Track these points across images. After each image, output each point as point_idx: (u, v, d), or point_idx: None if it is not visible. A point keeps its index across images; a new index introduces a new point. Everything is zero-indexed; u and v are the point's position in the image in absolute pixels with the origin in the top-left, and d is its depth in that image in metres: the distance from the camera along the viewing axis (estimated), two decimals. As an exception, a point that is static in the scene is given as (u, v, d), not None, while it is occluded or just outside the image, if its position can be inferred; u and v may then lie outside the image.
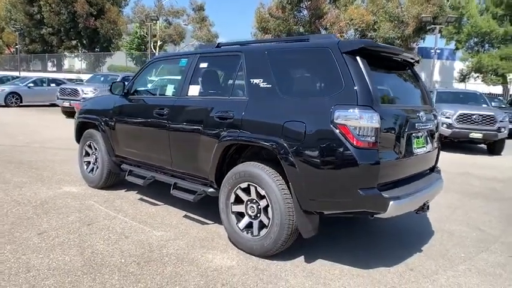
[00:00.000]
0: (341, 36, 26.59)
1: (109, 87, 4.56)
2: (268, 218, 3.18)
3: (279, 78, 3.24)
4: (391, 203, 2.80)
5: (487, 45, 30.31)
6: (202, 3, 34.83)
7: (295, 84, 3.24)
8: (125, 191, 5.10)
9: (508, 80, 30.06)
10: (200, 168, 3.77)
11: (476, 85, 29.60)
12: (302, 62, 3.25)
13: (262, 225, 3.27)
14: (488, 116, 10.26)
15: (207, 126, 3.62)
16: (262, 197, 3.24)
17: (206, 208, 4.32)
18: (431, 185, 3.45)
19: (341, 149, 2.76)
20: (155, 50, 33.81)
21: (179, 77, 4.18)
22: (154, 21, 28.73)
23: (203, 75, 3.93)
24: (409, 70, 3.76)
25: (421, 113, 3.39)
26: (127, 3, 38.67)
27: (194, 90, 3.90)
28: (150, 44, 29.18)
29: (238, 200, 3.43)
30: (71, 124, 12.79)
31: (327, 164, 2.82)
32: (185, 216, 4.26)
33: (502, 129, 10.29)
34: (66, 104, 13.66)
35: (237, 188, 3.39)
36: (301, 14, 28.39)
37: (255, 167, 3.24)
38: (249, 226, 3.37)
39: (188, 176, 3.96)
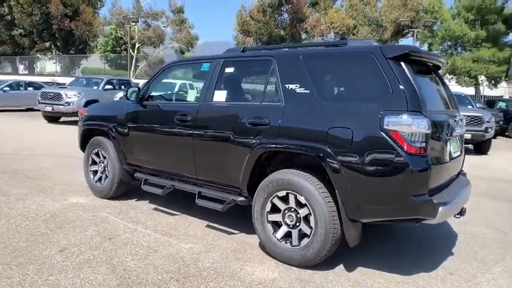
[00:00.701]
0: (322, 40, 26.88)
1: (124, 93, 4.34)
2: (310, 227, 3.09)
3: (317, 84, 3.16)
4: (440, 208, 2.76)
5: (459, 48, 31.39)
6: (181, 6, 34.41)
7: (335, 90, 3.17)
8: (136, 201, 4.89)
9: (480, 82, 31.28)
10: (228, 176, 3.64)
11: (450, 86, 30.61)
12: (342, 67, 3.18)
13: (302, 235, 3.18)
14: (476, 117, 10.55)
15: (237, 133, 3.49)
16: (302, 206, 3.14)
17: (227, 217, 4.17)
18: (465, 189, 3.46)
19: (393, 155, 2.70)
20: (133, 53, 33.12)
21: (201, 82, 4.02)
22: (134, 23, 28.12)
23: (230, 81, 3.80)
24: (434, 74, 3.76)
25: (456, 117, 3.40)
26: (103, 5, 37.76)
27: (220, 95, 3.76)
28: (129, 46, 28.52)
29: (274, 209, 3.32)
30: (54, 129, 12.38)
31: (377, 170, 2.76)
32: (208, 226, 4.10)
33: (489, 130, 10.62)
34: (49, 108, 13.11)
35: (274, 197, 3.28)
36: (282, 18, 28.51)
37: (295, 175, 3.14)
38: (287, 236, 3.27)
39: (214, 184, 3.81)
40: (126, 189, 4.93)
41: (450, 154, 3.21)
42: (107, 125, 4.67)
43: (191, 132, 3.83)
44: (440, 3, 30.66)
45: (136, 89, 4.35)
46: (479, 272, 3.31)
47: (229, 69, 3.80)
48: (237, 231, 3.96)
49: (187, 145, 3.89)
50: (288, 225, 3.25)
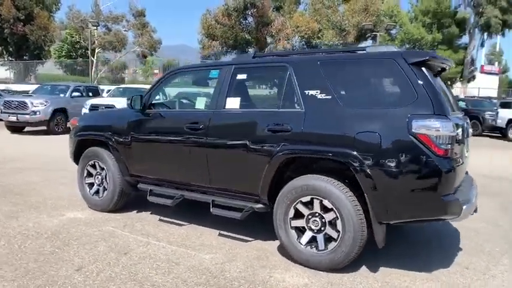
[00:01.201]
0: (287, 43, 27.29)
1: (128, 102, 4.18)
2: (337, 231, 3.13)
3: (338, 89, 3.22)
4: (464, 207, 2.89)
5: (416, 50, 32.99)
6: (142, 9, 33.64)
7: (357, 95, 3.22)
8: (137, 213, 4.72)
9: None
10: (246, 184, 3.61)
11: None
12: (363, 72, 3.25)
13: (328, 239, 3.21)
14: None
15: (255, 140, 3.47)
16: (327, 210, 3.18)
17: (236, 224, 4.09)
18: (473, 187, 3.63)
19: (423, 158, 2.80)
20: (93, 57, 32.00)
21: (204, 89, 3.97)
22: (95, 28, 27.16)
23: (242, 87, 3.78)
24: (439, 77, 3.91)
25: (466, 119, 3.57)
26: (58, 8, 36.19)
27: (233, 102, 3.72)
28: (90, 51, 27.51)
29: (297, 215, 3.33)
30: (21, 140, 11.70)
31: (408, 173, 2.85)
32: (220, 235, 4.04)
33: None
34: (13, 118, 12.38)
35: (298, 203, 3.29)
36: (247, 21, 28.64)
37: (320, 180, 3.17)
38: (312, 241, 3.29)
39: (229, 192, 3.77)
40: (126, 201, 4.76)
41: (465, 155, 3.36)
42: (106, 135, 4.49)
43: (204, 140, 3.76)
44: (397, 7, 32.10)
45: (139, 97, 4.20)
46: (491, 265, 3.49)
47: (241, 76, 3.77)
48: (251, 239, 3.94)
49: (199, 153, 3.82)
50: (313, 230, 3.27)
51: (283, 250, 3.56)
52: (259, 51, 29.95)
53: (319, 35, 26.18)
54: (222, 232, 4.09)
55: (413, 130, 2.83)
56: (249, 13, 28.06)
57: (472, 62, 32.74)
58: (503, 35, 31.68)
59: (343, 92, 3.21)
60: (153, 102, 4.32)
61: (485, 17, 28.79)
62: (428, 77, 2.97)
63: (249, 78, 3.81)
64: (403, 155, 2.85)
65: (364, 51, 3.36)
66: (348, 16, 26.82)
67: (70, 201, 5.10)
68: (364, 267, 3.32)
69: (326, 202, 3.15)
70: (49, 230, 4.04)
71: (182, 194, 4.07)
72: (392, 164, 2.87)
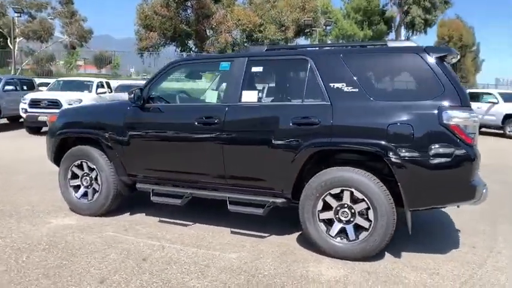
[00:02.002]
0: (229, 36, 27.12)
1: (131, 97, 3.84)
2: (369, 221, 3.20)
3: (364, 82, 3.26)
4: (483, 191, 3.12)
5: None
6: (70, -4, 31.19)
7: (384, 88, 3.30)
8: (130, 215, 4.40)
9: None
10: (267, 179, 3.54)
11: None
12: (387, 65, 3.33)
13: (357, 229, 3.27)
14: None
15: (278, 134, 3.41)
16: (357, 201, 3.23)
17: (241, 220, 4.02)
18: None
19: (454, 147, 2.96)
20: (12, 46, 28.98)
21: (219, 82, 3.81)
22: (18, 14, 24.46)
23: (259, 80, 3.68)
24: None
25: None
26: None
27: (250, 96, 3.61)
28: (13, 40, 24.82)
29: (326, 207, 3.35)
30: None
31: (441, 161, 2.98)
32: (233, 233, 3.91)
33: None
34: None
35: (327, 195, 3.30)
36: (187, 13, 27.89)
37: (351, 172, 3.21)
38: (341, 232, 3.33)
39: (248, 188, 3.66)
40: (118, 204, 4.41)
41: None
42: (98, 132, 4.10)
43: (220, 135, 3.60)
44: (327, 4, 33.49)
45: (139, 91, 3.88)
46: (492, 243, 3.81)
47: (257, 69, 3.67)
48: (266, 234, 3.88)
49: (213, 149, 3.65)
50: (341, 221, 3.31)
51: (305, 243, 3.56)
52: (200, 44, 29.45)
53: (261, 29, 26.37)
54: (233, 230, 3.96)
55: (444, 121, 2.97)
56: (189, 4, 27.36)
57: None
58: (425, 32, 34.58)
59: (369, 85, 3.27)
60: (154, 96, 4.04)
61: (410, 16, 31.21)
62: (450, 70, 3.13)
63: (266, 70, 3.71)
64: (436, 145, 2.98)
65: (386, 46, 3.45)
66: (286, 12, 27.32)
67: (48, 206, 4.61)
68: (388, 254, 3.43)
69: (357, 193, 3.20)
70: (41, 241, 3.61)
71: (191, 192, 3.87)
72: (425, 153, 2.99)
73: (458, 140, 2.96)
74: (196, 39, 29.59)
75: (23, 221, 4.13)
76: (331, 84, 3.32)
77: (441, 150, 2.98)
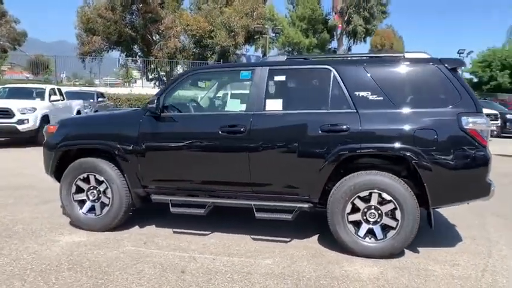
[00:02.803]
0: (178, 42, 26.74)
1: (151, 107, 3.72)
2: (396, 220, 3.43)
3: (387, 91, 3.50)
4: (493, 188, 3.50)
5: (296, 53, 35.82)
6: (-2, -5, 28.77)
7: (405, 96, 3.54)
8: (140, 228, 4.26)
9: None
10: (295, 185, 3.65)
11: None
12: (408, 75, 3.58)
13: (385, 229, 3.49)
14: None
15: (307, 141, 3.54)
16: (384, 202, 3.46)
17: (254, 227, 4.11)
18: None
19: (475, 149, 3.29)
20: None
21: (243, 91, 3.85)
22: None
23: (283, 89, 3.78)
24: None
25: None
26: None
27: (274, 104, 3.70)
28: None
29: (354, 210, 3.53)
30: None
31: (462, 163, 3.31)
32: (255, 239, 3.96)
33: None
34: None
35: (355, 198, 3.49)
36: (133, 17, 27.00)
37: (379, 175, 3.43)
38: (369, 232, 3.53)
39: (274, 195, 3.74)
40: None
41: None
42: (110, 144, 3.94)
43: (246, 144, 3.65)
44: (273, 11, 34.36)
45: (156, 100, 3.79)
46: (488, 235, 4.23)
47: (280, 78, 3.77)
48: (287, 239, 3.97)
49: (239, 158, 3.69)
50: (369, 222, 3.51)
51: (329, 245, 3.74)
52: (146, 49, 28.67)
53: (212, 35, 26.32)
54: (254, 237, 4.01)
55: (464, 126, 3.30)
56: (135, 8, 26.54)
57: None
58: (365, 41, 36.71)
59: (392, 93, 3.51)
60: (170, 105, 3.97)
61: (352, 25, 33.00)
62: (464, 80, 3.49)
63: (289, 80, 3.82)
64: (457, 148, 3.30)
65: (403, 57, 3.72)
66: (235, 18, 27.57)
67: (52, 224, 4.33)
68: (407, 251, 3.69)
69: (385, 195, 3.42)
70: (61, 260, 3.39)
71: (213, 201, 3.86)
72: (448, 156, 3.30)
73: (476, 143, 3.30)
74: (142, 44, 28.78)
75: (26, 241, 3.83)
76: (357, 93, 3.53)
77: (462, 153, 3.31)
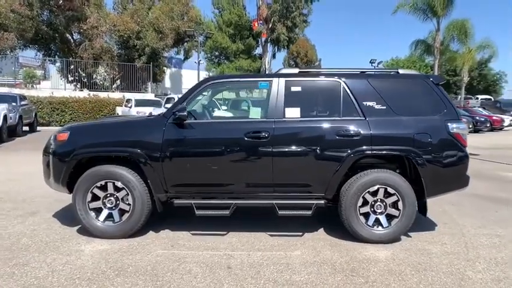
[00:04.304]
0: (104, 42, 25.43)
1: (182, 114, 3.86)
2: (399, 210, 4.08)
3: (389, 101, 4.15)
4: (470, 180, 4.34)
5: (223, 58, 36.33)
6: None
7: (404, 105, 4.18)
8: (155, 233, 4.35)
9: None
10: (313, 184, 4.11)
11: (218, 91, 35.03)
12: (404, 88, 4.24)
13: (391, 216, 4.11)
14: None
15: (325, 145, 4.03)
16: (389, 195, 4.08)
17: (261, 224, 4.53)
18: None
19: (458, 150, 4.07)
20: None
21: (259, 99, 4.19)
22: None
23: (299, 99, 4.19)
24: None
25: None
26: None
27: (292, 112, 4.12)
28: None
29: (364, 203, 4.10)
30: None
31: (451, 160, 4.07)
32: (272, 235, 4.32)
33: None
34: None
35: (366, 193, 4.06)
36: (53, 14, 24.93)
37: (386, 173, 4.06)
38: (376, 221, 4.13)
39: (294, 194, 4.16)
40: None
41: None
42: (132, 151, 4.00)
43: (269, 148, 4.01)
44: (199, 15, 34.42)
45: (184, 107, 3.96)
46: (471, 220, 5.07)
47: (296, 88, 4.19)
48: (299, 233, 4.39)
49: (263, 161, 4.03)
50: (375, 213, 4.12)
51: (339, 235, 4.26)
52: (66, 49, 26.76)
53: (140, 36, 25.49)
54: (270, 233, 4.36)
55: (450, 131, 4.07)
56: (53, 4, 24.57)
57: (265, 70, 38.50)
58: (288, 48, 38.50)
59: (393, 103, 4.15)
60: (192, 113, 4.15)
61: (276, 33, 34.51)
62: (446, 93, 4.28)
63: (304, 90, 4.24)
64: (446, 148, 4.06)
65: (398, 73, 4.41)
66: (164, 19, 27.08)
67: (54, 234, 4.19)
68: (402, 236, 4.36)
69: (390, 189, 4.05)
70: (100, 268, 3.41)
71: (236, 202, 4.14)
72: (440, 155, 4.04)
73: (459, 144, 4.10)
74: (61, 43, 26.76)
75: (47, 253, 3.72)
76: (365, 103, 4.11)
77: (449, 152, 4.08)
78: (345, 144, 4.02)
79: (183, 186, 4.14)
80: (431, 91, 4.21)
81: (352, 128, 4.04)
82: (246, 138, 4.02)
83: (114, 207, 4.13)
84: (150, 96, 24.49)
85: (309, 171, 4.08)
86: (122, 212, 4.12)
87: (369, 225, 4.09)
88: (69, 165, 4.05)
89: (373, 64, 33.85)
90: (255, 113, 4.25)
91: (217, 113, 4.69)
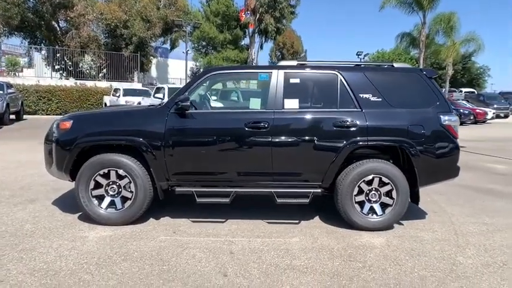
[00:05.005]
0: (91, 31, 25.02)
1: (185, 104, 3.93)
2: (392, 198, 4.25)
3: (384, 94, 4.29)
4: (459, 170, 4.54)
5: (211, 48, 36.10)
6: None
7: (398, 98, 4.32)
8: (156, 220, 4.44)
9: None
10: (311, 174, 4.25)
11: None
12: (398, 81, 4.39)
13: (386, 205, 4.28)
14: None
15: (322, 135, 4.16)
16: (383, 184, 4.25)
17: (264, 212, 4.68)
18: None
19: (450, 141, 4.25)
20: None
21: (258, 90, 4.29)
22: None
23: (297, 90, 4.30)
24: None
25: None
26: None
27: (291, 103, 4.23)
28: None
29: (359, 192, 4.26)
30: None
31: (442, 151, 4.24)
32: (270, 223, 4.45)
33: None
34: None
35: (361, 182, 4.22)
36: (41, 1, 24.31)
37: (380, 163, 4.22)
38: (371, 210, 4.29)
39: (292, 183, 4.29)
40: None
41: None
42: (135, 139, 4.06)
43: (269, 138, 4.13)
44: (185, 5, 34.07)
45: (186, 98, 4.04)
46: (441, 207, 5.35)
47: (295, 80, 4.30)
48: (296, 221, 4.54)
49: (263, 151, 4.15)
50: (371, 202, 4.29)
51: (334, 222, 4.43)
52: (53, 37, 26.24)
53: (127, 25, 25.14)
54: (268, 221, 4.50)
55: (442, 123, 4.25)
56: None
57: (252, 61, 38.45)
58: (276, 39, 38.50)
59: (388, 95, 4.29)
60: (194, 103, 4.23)
61: (264, 24, 34.42)
62: (438, 87, 4.45)
63: (303, 82, 4.35)
64: (438, 139, 4.24)
65: (392, 66, 4.55)
66: (152, 7, 26.77)
67: (53, 221, 4.24)
68: (395, 225, 4.56)
69: (384, 178, 4.22)
70: (108, 253, 3.51)
71: (236, 191, 4.26)
72: (433, 146, 4.21)
73: (451, 136, 4.28)
74: (47, 31, 26.22)
75: (52, 239, 3.79)
76: (361, 95, 4.25)
77: (441, 143, 4.26)
78: (342, 135, 4.16)
79: (185, 174, 4.23)
80: (425, 84, 4.37)
81: (349, 119, 4.18)
82: (246, 128, 4.12)
83: (116, 195, 4.20)
84: (137, 85, 24.27)
85: (307, 161, 4.21)
86: (124, 199, 4.20)
87: (364, 214, 4.26)
88: (73, 153, 4.10)
89: (359, 56, 34.16)
90: (255, 104, 4.35)
91: (213, 103, 4.76)
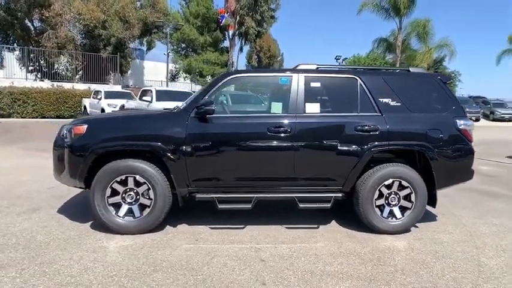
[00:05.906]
0: (69, 31, 24.24)
1: (209, 109, 3.82)
2: (411, 202, 4.30)
3: (403, 98, 4.34)
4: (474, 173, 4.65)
5: (190, 50, 35.69)
6: None
7: (416, 102, 4.38)
8: (173, 227, 4.31)
9: (209, 80, 37.03)
10: (333, 178, 4.24)
11: (186, 85, 34.51)
12: (415, 86, 4.45)
13: (404, 208, 4.32)
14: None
15: (344, 139, 4.16)
16: (403, 188, 4.29)
17: (279, 217, 4.65)
18: None
19: (465, 144, 4.35)
20: None
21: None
22: None
23: (318, 94, 4.29)
24: None
25: None
26: None
27: (312, 107, 4.21)
28: None
29: (380, 196, 4.28)
30: None
31: (459, 154, 4.33)
32: (289, 228, 4.41)
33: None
34: None
35: (382, 186, 4.25)
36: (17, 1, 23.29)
37: (400, 167, 4.26)
38: (390, 213, 4.32)
39: (313, 187, 4.26)
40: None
41: None
42: (154, 145, 3.93)
43: (291, 142, 4.09)
44: (165, 6, 33.62)
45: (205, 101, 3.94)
46: (448, 210, 5.47)
47: (316, 84, 4.28)
48: (315, 225, 4.52)
49: (286, 155, 4.11)
50: (390, 205, 4.31)
51: (350, 227, 4.46)
52: (26, 37, 25.27)
53: (106, 25, 24.48)
54: (287, 226, 4.46)
55: (459, 127, 4.34)
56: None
57: (233, 64, 38.36)
58: (256, 42, 38.56)
59: (407, 100, 4.35)
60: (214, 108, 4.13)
61: (245, 27, 34.39)
62: (452, 92, 4.55)
63: (323, 86, 4.33)
64: (455, 143, 4.32)
65: (408, 71, 4.62)
66: (130, 8, 26.20)
67: (66, 231, 4.04)
68: (414, 230, 4.60)
69: (404, 182, 4.26)
70: (135, 264, 3.36)
71: (257, 196, 4.19)
72: (450, 149, 4.30)
73: (466, 140, 4.38)
74: (20, 31, 25.20)
75: (71, 250, 3.60)
76: (381, 100, 4.28)
77: (458, 147, 4.35)
78: (364, 139, 4.17)
79: (206, 180, 4.13)
80: (440, 89, 4.46)
81: (371, 124, 4.19)
82: (269, 133, 4.07)
83: (134, 202, 4.04)
84: (117, 87, 23.68)
85: (329, 165, 4.20)
86: (142, 207, 4.05)
87: (384, 217, 4.29)
88: (88, 159, 3.92)
89: (338, 60, 34.71)
90: (276, 108, 4.30)
91: (232, 107, 4.68)
